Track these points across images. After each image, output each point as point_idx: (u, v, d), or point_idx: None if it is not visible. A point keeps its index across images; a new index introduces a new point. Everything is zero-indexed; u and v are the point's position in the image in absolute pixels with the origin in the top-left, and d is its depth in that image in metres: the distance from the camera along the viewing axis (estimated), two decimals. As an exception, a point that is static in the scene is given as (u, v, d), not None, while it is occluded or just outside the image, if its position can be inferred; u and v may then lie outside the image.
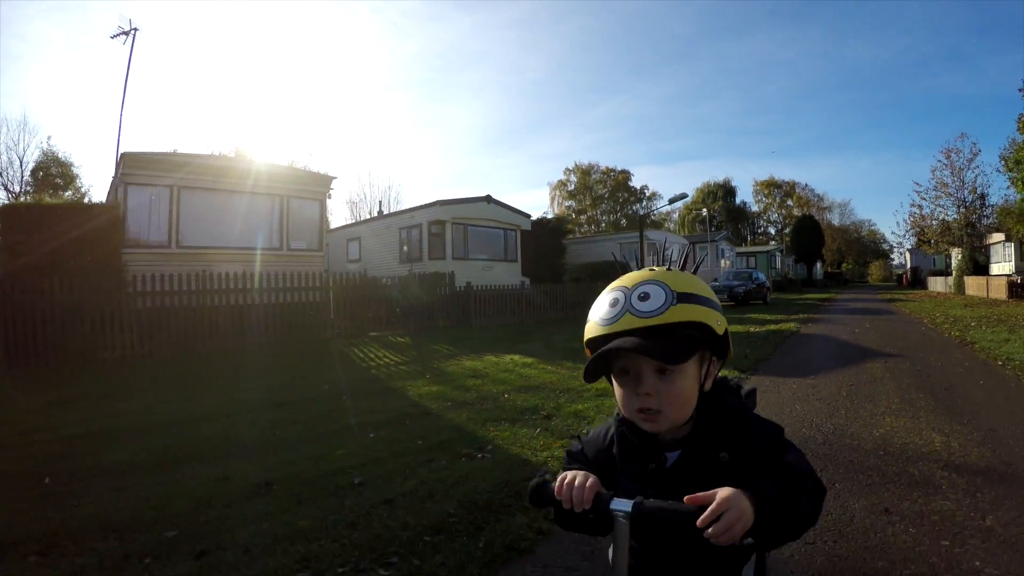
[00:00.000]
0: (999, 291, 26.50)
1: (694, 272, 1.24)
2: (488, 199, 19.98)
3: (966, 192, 35.20)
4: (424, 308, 14.22)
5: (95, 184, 52.08)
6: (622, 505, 1.05)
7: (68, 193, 30.64)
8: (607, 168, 74.05)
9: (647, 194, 75.47)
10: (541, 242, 24.43)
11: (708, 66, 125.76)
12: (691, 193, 76.29)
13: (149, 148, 24.02)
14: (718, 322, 1.15)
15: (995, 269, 34.76)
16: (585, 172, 73.88)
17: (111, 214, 10.63)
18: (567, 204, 73.76)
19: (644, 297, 1.10)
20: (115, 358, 9.59)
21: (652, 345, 1.06)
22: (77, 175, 33.04)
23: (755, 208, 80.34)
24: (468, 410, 6.15)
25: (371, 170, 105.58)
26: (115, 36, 17.92)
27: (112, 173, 13.71)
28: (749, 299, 26.76)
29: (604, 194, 73.82)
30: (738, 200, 76.76)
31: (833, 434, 5.25)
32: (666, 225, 74.12)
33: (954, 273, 36.36)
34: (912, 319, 17.39)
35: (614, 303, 1.13)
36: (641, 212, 68.39)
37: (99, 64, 71.74)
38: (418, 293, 14.03)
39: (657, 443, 1.18)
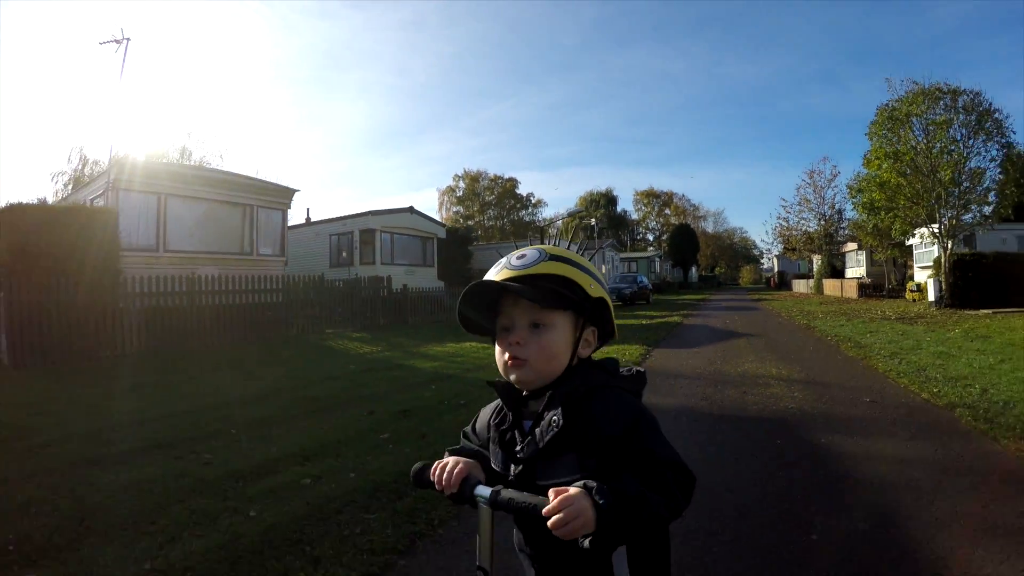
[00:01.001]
0: (851, 291, 32.63)
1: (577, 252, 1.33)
2: (411, 210, 22.51)
3: (826, 207, 42.25)
4: (368, 308, 16.47)
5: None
6: (483, 491, 1.13)
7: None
8: (495, 175, 77.60)
9: (533, 201, 79.84)
10: (451, 249, 27.08)
11: (592, 76, 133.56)
12: (575, 201, 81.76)
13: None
14: (591, 285, 1.20)
15: (849, 273, 41.48)
16: (474, 179, 76.91)
17: (109, 218, 11.76)
18: (455, 210, 76.33)
19: (521, 256, 1.21)
20: (115, 355, 10.76)
21: (519, 287, 1.14)
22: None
23: (635, 216, 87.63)
24: (479, 372, 8.79)
25: (258, 168, 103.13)
26: (105, 43, 18.08)
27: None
28: (635, 300, 30.93)
29: (492, 200, 77.16)
30: (619, 208, 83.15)
31: (714, 372, 8.69)
32: (549, 231, 78.63)
33: (815, 276, 42.94)
34: (772, 313, 21.79)
35: (496, 265, 1.24)
36: (527, 219, 72.97)
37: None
38: (364, 295, 16.28)
39: (522, 409, 1.23)
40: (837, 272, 42.08)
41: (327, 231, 22.17)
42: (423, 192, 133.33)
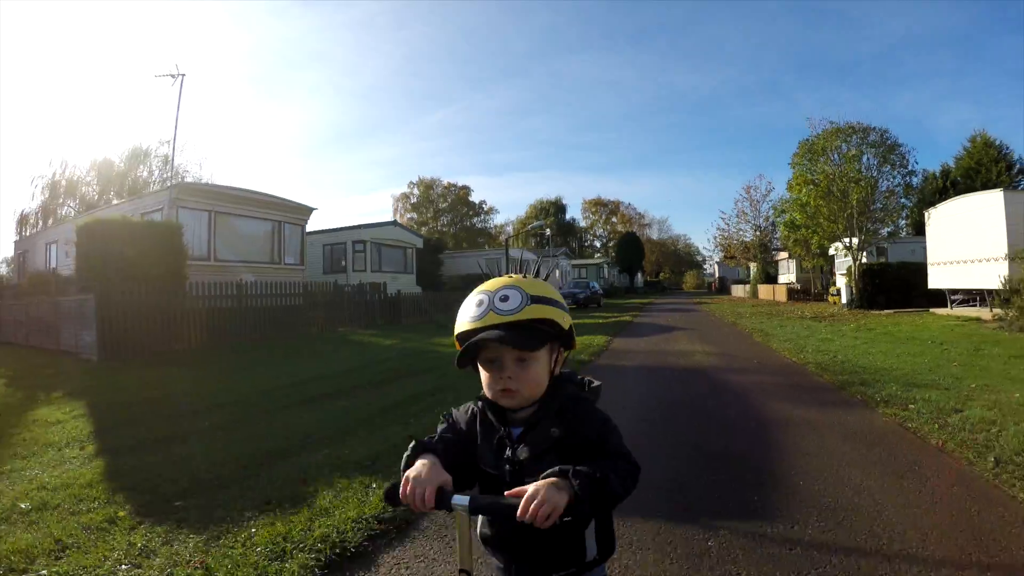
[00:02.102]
0: (781, 295, 37.50)
1: (544, 280, 1.58)
2: (395, 223, 25.79)
3: (761, 220, 46.94)
4: (370, 310, 19.58)
5: None
6: (461, 500, 1.28)
7: None
8: (448, 183, 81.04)
9: (485, 208, 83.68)
10: (424, 257, 30.26)
11: (541, 82, 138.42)
12: (524, 207, 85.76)
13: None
14: (564, 319, 1.46)
15: (782, 279, 46.57)
16: (428, 186, 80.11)
17: (177, 231, 14.39)
18: (409, 216, 79.03)
19: (504, 299, 1.40)
20: (184, 348, 13.27)
21: (511, 336, 1.36)
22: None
23: (583, 224, 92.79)
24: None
25: (213, 173, 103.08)
26: (160, 76, 20.42)
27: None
28: (588, 303, 34.75)
29: (445, 208, 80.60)
30: (568, 216, 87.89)
31: (657, 350, 12.53)
32: (500, 239, 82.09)
33: (751, 282, 47.77)
34: (708, 313, 25.85)
35: (480, 303, 1.42)
36: (479, 225, 76.49)
37: None
38: (367, 299, 19.41)
39: (507, 420, 1.49)
40: (771, 278, 47.08)
41: (320, 241, 25.06)
42: (371, 195, 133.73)
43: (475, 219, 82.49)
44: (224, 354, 12.83)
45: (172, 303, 13.43)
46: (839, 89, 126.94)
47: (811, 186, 26.78)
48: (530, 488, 1.21)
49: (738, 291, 54.14)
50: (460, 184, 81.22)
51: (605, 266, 66.47)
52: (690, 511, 3.84)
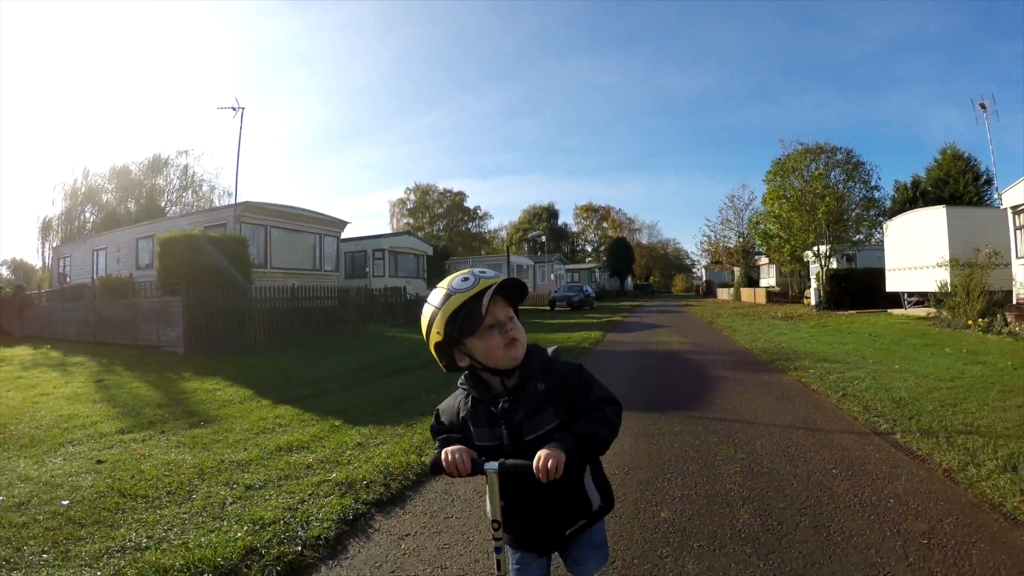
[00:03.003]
0: (761, 298, 40.88)
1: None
2: (408, 233, 28.85)
3: (744, 227, 50.29)
4: (393, 311, 22.57)
5: None
6: (491, 466, 1.71)
7: None
8: (444, 189, 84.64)
9: (480, 213, 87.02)
10: (432, 263, 33.29)
11: (529, 85, 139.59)
12: (515, 211, 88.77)
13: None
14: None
15: (763, 283, 50.05)
16: (424, 192, 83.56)
17: (243, 243, 17.30)
18: (406, 220, 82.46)
19: (466, 279, 1.76)
20: (251, 343, 16.05)
21: (506, 290, 1.80)
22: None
23: (575, 229, 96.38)
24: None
25: (229, 183, 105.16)
26: (222, 109, 23.42)
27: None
28: (582, 306, 37.75)
29: (441, 213, 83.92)
30: (560, 222, 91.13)
31: (643, 340, 15.76)
32: (494, 244, 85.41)
33: (734, 285, 50.96)
34: (690, 315, 29.02)
35: (465, 279, 1.76)
36: (473, 230, 79.56)
37: None
38: (391, 301, 22.43)
39: (493, 397, 1.85)
40: (753, 282, 50.51)
41: (344, 249, 27.80)
42: (362, 198, 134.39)
43: (470, 224, 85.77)
44: (287, 347, 15.56)
45: (241, 304, 16.23)
46: (828, 93, 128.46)
47: (783, 200, 30.15)
48: (541, 453, 1.65)
49: (723, 294, 57.55)
50: (455, 190, 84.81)
51: (597, 270, 70.05)
52: (653, 412, 6.99)
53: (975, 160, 45.83)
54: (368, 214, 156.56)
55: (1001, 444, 4.91)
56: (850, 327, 17.72)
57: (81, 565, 3.24)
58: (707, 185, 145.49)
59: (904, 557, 3.18)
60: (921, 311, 21.84)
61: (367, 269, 26.65)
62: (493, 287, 1.73)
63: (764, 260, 49.54)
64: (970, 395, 6.94)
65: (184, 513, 3.96)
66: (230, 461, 5.15)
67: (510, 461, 1.72)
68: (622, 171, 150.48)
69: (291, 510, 4.00)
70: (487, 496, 1.78)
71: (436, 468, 1.79)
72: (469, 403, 1.89)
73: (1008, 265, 17.45)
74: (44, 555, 3.37)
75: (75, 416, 7.40)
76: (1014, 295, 17.05)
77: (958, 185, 43.56)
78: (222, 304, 15.64)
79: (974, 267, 17.08)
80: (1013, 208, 17.24)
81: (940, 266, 19.71)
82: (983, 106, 27.77)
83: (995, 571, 2.98)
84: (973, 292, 16.44)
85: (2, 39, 71.76)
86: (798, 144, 30.87)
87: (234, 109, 23.09)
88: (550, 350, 1.95)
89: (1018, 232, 17.17)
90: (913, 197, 44.34)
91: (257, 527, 3.71)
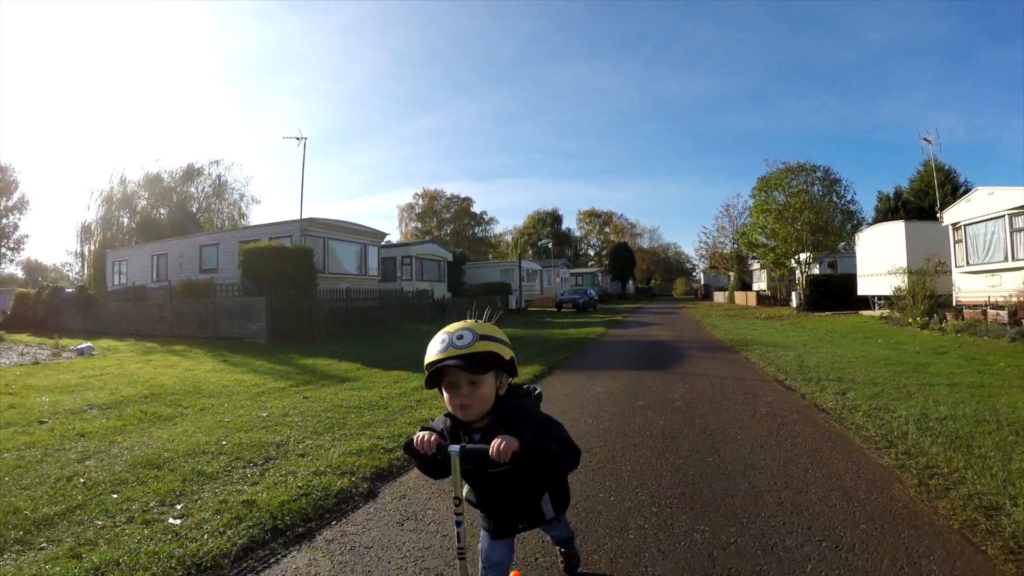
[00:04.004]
0: (752, 300, 44.68)
1: (488, 321, 2.33)
2: (432, 241, 32.66)
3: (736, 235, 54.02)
4: (422, 311, 26.20)
5: None
6: (454, 448, 2.12)
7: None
8: (452, 194, 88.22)
9: (486, 219, 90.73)
10: (451, 268, 36.97)
11: (526, 88, 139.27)
12: (517, 214, 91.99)
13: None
14: (505, 352, 2.20)
15: (755, 286, 53.60)
16: (432, 197, 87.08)
17: (310, 253, 20.71)
18: (414, 225, 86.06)
19: (460, 337, 2.12)
20: (319, 336, 19.25)
21: (465, 363, 2.09)
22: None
23: (578, 233, 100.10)
24: (553, 331, 18.80)
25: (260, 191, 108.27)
26: (287, 138, 27.21)
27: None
28: (586, 308, 41.30)
29: (448, 218, 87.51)
30: (564, 227, 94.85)
31: (638, 333, 19.53)
32: (500, 247, 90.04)
33: (729, 289, 54.55)
34: (685, 315, 32.81)
35: (442, 342, 2.14)
36: (480, 234, 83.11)
37: None
38: (423, 302, 26.12)
39: (469, 429, 2.24)
40: (747, 286, 54.23)
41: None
42: (362, 200, 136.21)
43: (476, 228, 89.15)
44: (346, 339, 18.86)
45: (309, 304, 19.69)
46: (825, 96, 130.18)
47: (767, 213, 33.92)
48: (496, 439, 2.00)
49: (719, 297, 61.14)
50: (462, 195, 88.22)
51: (599, 274, 73.99)
52: (639, 370, 10.68)
53: (955, 172, 49.59)
54: (368, 215, 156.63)
55: (847, 386, 8.47)
56: (817, 325, 21.28)
57: (346, 436, 6.85)
58: (705, 189, 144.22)
59: (753, 415, 6.96)
60: (885, 312, 25.38)
61: (397, 273, 30.31)
62: (450, 361, 2.12)
63: (757, 265, 53.22)
64: (861, 366, 10.40)
65: (376, 418, 7.40)
66: (382, 396, 8.72)
67: (470, 445, 2.14)
68: (621, 174, 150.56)
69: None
70: (451, 475, 2.17)
71: (408, 447, 2.18)
72: (449, 425, 2.33)
73: (950, 272, 20.95)
74: (329, 431, 7.03)
75: (243, 381, 10.07)
76: (953, 298, 20.52)
77: (937, 197, 46.98)
78: (293, 303, 18.93)
79: (921, 274, 20.70)
80: (952, 225, 20.79)
81: (894, 273, 23.23)
82: (928, 140, 31.39)
83: (800, 429, 6.64)
84: (918, 295, 20.06)
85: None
86: (781, 163, 34.79)
87: (297, 139, 26.65)
88: (534, 391, 2.55)
89: (956, 245, 20.68)
90: (895, 207, 47.98)
91: (415, 424, 7.20)
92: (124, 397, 8.78)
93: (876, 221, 38.12)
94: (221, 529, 3.73)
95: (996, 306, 17.24)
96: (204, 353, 15.35)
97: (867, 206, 57.56)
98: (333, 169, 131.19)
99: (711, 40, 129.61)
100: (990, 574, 3.02)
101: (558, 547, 3.07)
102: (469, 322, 2.24)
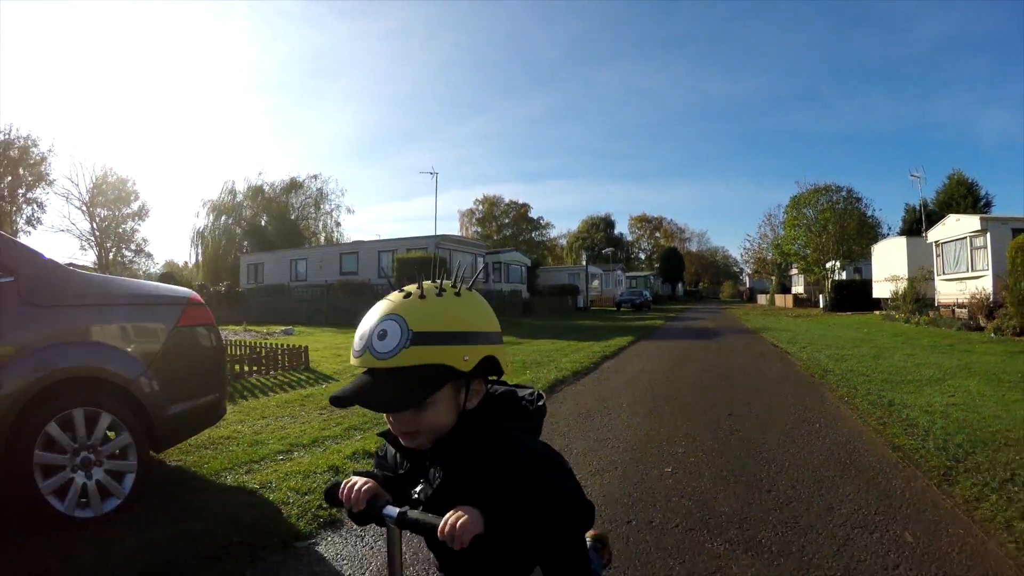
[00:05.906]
0: (789, 302, 50.48)
1: (470, 286, 1.37)
2: (515, 250, 39.83)
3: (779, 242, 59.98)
4: (516, 306, 33.27)
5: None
6: (391, 512, 1.24)
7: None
8: (510, 201, 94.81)
9: (543, 223, 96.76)
10: (529, 271, 44.09)
11: (574, 90, 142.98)
12: (570, 216, 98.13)
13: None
14: (464, 357, 1.21)
15: (794, 290, 59.10)
16: (492, 203, 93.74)
17: (445, 262, 27.32)
18: (474, 230, 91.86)
19: (382, 335, 1.18)
20: None
21: (379, 397, 1.20)
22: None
23: (630, 238, 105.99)
24: (628, 321, 25.81)
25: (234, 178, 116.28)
26: (423, 173, 34.77)
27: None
28: (642, 307, 47.60)
29: (507, 223, 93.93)
30: (616, 231, 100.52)
31: (688, 324, 26.32)
32: (556, 251, 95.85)
33: (770, 292, 60.52)
34: (727, 313, 39.36)
35: (362, 337, 1.22)
36: (537, 239, 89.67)
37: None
38: (515, 301, 33.27)
39: (427, 455, 1.33)
40: (786, 289, 59.91)
41: (469, 262, 38.87)
42: (412, 201, 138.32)
43: (533, 233, 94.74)
44: None
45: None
46: (876, 95, 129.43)
47: (798, 227, 40.33)
48: (455, 511, 1.11)
49: (762, 299, 66.60)
50: (520, 202, 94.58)
51: (651, 277, 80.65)
52: (688, 340, 17.67)
53: (977, 185, 54.64)
54: (418, 217, 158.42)
55: (811, 347, 15.13)
56: (829, 321, 27.49)
57: (560, 360, 13.95)
58: (755, 190, 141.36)
59: (751, 354, 13.95)
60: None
61: (490, 277, 37.52)
62: (356, 398, 1.23)
63: (795, 270, 58.97)
64: (830, 340, 16.93)
65: (557, 356, 14.51)
66: (547, 349, 15.69)
67: (415, 513, 1.22)
68: (670, 176, 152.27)
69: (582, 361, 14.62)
70: (387, 551, 1.37)
71: (330, 496, 1.38)
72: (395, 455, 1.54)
73: (934, 279, 27.14)
74: (551, 360, 14.11)
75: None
76: (936, 300, 26.69)
77: (960, 208, 52.16)
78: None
79: (911, 281, 27.03)
80: (935, 242, 27.00)
81: (890, 280, 29.44)
82: (916, 176, 37.76)
83: (770, 359, 13.51)
84: (907, 297, 26.42)
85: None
86: (811, 185, 41.18)
87: (431, 174, 33.98)
88: (528, 393, 1.45)
89: (937, 259, 26.82)
90: (919, 218, 53.22)
91: (595, 352, 14.30)
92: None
93: (903, 232, 44.11)
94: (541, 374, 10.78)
95: (961, 306, 23.42)
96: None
97: (895, 218, 61.87)
98: (383, 171, 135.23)
99: (758, 38, 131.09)
100: (820, 396, 9.88)
101: None
102: (407, 301, 1.25)
